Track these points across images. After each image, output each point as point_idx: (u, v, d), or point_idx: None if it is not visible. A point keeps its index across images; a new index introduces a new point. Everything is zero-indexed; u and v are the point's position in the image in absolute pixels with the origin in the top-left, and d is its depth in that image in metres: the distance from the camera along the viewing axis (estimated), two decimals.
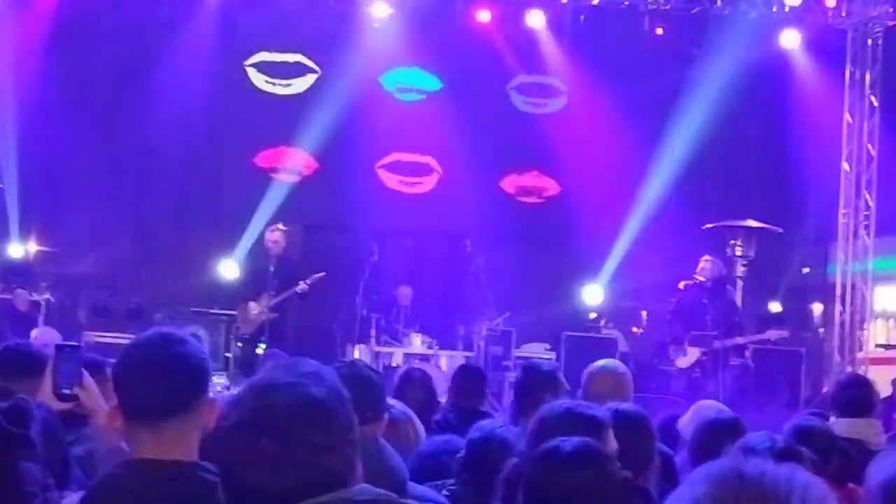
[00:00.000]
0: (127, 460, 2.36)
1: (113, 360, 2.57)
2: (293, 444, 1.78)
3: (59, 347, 3.33)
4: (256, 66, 14.39)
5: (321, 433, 1.81)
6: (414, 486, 3.27)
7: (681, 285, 11.56)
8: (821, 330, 15.13)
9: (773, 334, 11.90)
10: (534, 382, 4.76)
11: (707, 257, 11.54)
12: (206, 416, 2.38)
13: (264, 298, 11.17)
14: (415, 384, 5.05)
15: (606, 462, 2.72)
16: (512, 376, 12.15)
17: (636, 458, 3.33)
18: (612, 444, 3.06)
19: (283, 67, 14.44)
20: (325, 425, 1.83)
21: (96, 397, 3.38)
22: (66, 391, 3.25)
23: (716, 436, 3.93)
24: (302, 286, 11.08)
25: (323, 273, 11.28)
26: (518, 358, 12.62)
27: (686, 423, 4.99)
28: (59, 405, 3.26)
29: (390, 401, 3.91)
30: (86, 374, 3.33)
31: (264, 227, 12.43)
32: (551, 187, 15.12)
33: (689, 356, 11.40)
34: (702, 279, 11.35)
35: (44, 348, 4.03)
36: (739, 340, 11.67)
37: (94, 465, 3.10)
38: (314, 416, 1.82)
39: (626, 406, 3.87)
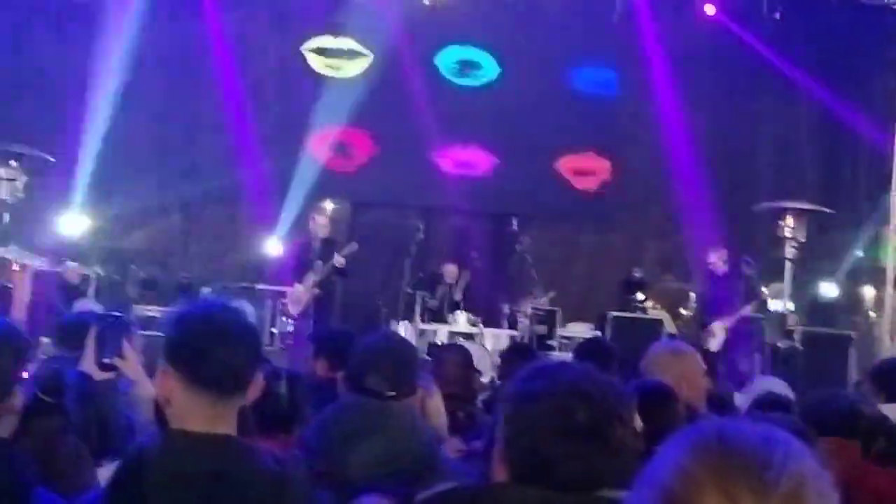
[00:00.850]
0: (174, 430, 2.28)
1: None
2: (608, 421, 1.81)
3: (101, 318, 3.37)
4: (314, 50, 14.40)
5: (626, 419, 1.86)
6: (450, 461, 3.27)
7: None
8: (872, 314, 14.90)
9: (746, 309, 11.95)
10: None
11: (717, 250, 11.99)
12: (254, 389, 2.35)
13: (309, 278, 11.21)
14: (451, 362, 5.01)
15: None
16: (556, 356, 12.21)
17: (661, 434, 3.30)
18: (636, 421, 3.01)
19: (337, 52, 14.45)
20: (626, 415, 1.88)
21: (136, 367, 3.42)
22: (107, 361, 3.30)
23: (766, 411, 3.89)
24: (338, 259, 11.08)
25: (355, 243, 11.28)
26: (563, 337, 12.60)
27: (743, 398, 4.96)
28: (100, 374, 3.31)
29: None
30: (126, 344, 3.38)
31: (311, 204, 12.47)
32: (605, 169, 14.96)
33: (716, 336, 11.59)
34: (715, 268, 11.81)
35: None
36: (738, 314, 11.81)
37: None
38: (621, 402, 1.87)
39: (653, 382, 3.81)
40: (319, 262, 11.16)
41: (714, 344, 11.60)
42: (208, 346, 2.26)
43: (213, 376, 2.25)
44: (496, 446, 1.88)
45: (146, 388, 3.34)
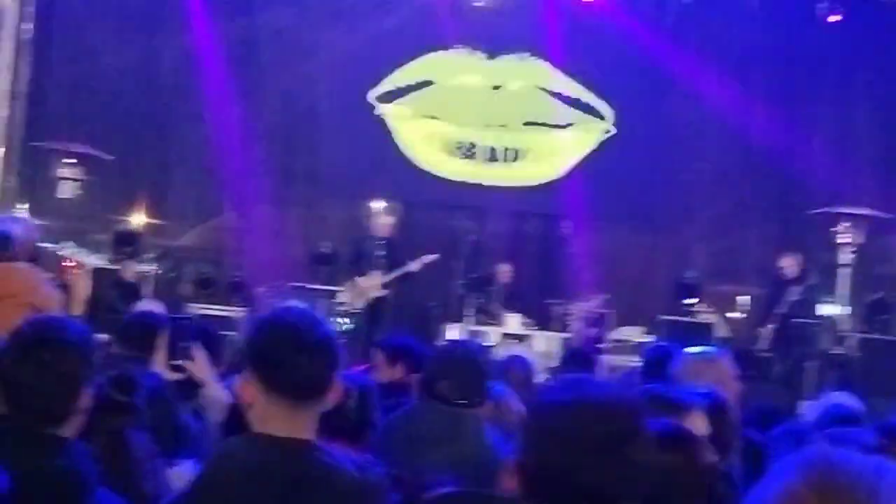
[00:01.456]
0: (257, 433, 2.32)
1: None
2: (623, 436, 1.82)
3: (172, 320, 3.44)
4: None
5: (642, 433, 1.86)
6: None
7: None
8: None
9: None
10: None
11: (789, 256, 12.14)
12: (334, 395, 2.39)
13: (375, 275, 11.24)
14: (515, 368, 5.05)
15: (695, 445, 2.69)
16: (607, 359, 12.17)
17: (718, 443, 3.33)
18: (701, 427, 3.01)
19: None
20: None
21: (205, 369, 3.48)
22: (178, 362, 3.36)
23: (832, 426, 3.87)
24: (415, 265, 11.13)
25: (437, 256, 11.33)
26: (615, 341, 12.55)
27: (808, 411, 4.92)
28: (171, 375, 3.37)
29: None
30: (196, 346, 3.44)
31: (360, 205, 12.52)
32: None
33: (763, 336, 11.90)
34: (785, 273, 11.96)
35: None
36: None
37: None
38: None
39: (708, 390, 3.82)
40: (385, 262, 11.19)
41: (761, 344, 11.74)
42: (288, 354, 2.30)
43: (292, 383, 2.30)
44: (511, 457, 1.89)
45: (215, 391, 3.40)
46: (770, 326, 11.94)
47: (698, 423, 3.02)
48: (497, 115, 14.35)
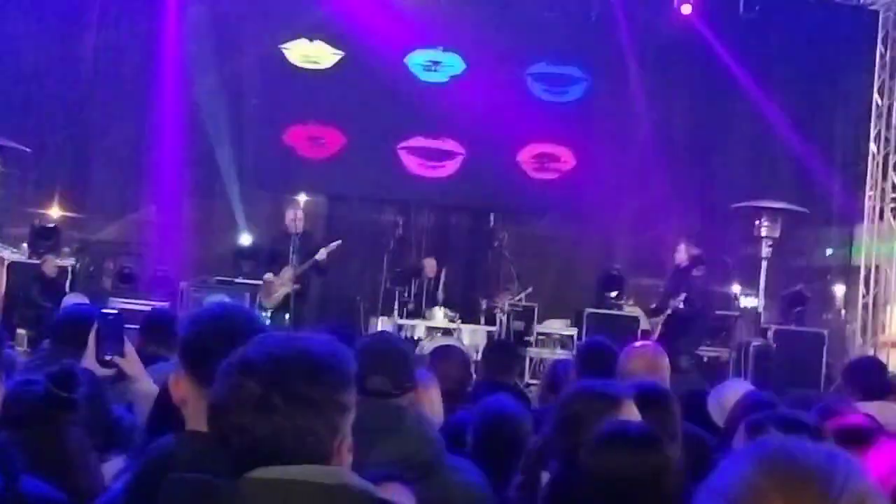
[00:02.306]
0: (191, 431, 2.29)
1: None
2: (272, 387, 1.78)
3: (101, 315, 3.38)
4: (291, 47, 14.37)
5: (304, 383, 1.80)
6: (451, 457, 3.30)
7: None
8: (843, 312, 15.08)
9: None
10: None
11: (681, 245, 12.06)
12: None
13: (286, 272, 11.17)
14: (453, 358, 5.10)
15: (665, 446, 2.74)
16: (533, 352, 12.29)
17: (662, 435, 3.39)
18: (635, 415, 3.07)
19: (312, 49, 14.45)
20: (311, 377, 1.81)
21: (136, 364, 3.43)
22: (108, 357, 3.31)
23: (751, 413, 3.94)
24: (321, 253, 11.07)
25: (340, 241, 11.27)
26: (540, 333, 12.67)
27: (717, 402, 5.02)
28: (101, 371, 3.31)
29: None
30: (127, 341, 3.38)
31: (285, 199, 12.46)
32: (567, 157, 14.97)
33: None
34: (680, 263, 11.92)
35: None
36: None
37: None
38: (301, 366, 1.82)
39: (650, 383, 3.89)
40: (296, 257, 11.12)
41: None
42: (217, 347, 2.20)
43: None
44: None
45: (146, 386, 3.35)
46: (661, 317, 11.96)
47: (633, 413, 3.07)
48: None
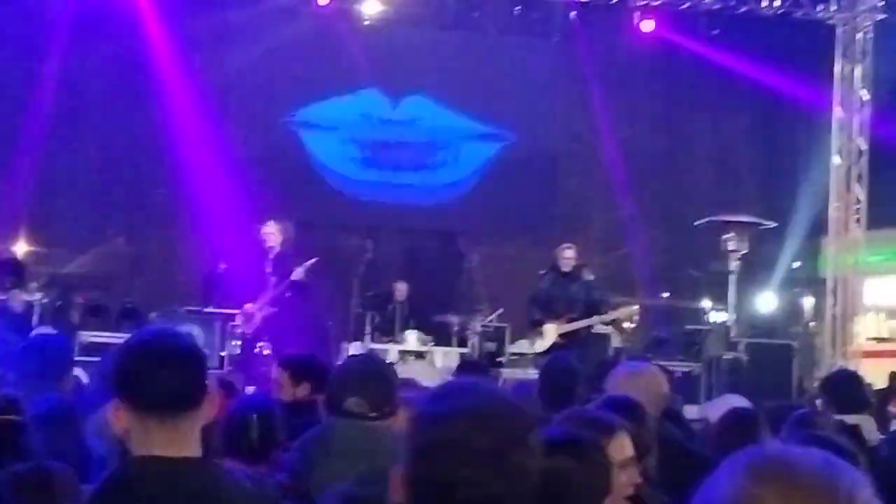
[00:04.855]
0: (139, 456, 2.30)
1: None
2: (509, 446, 1.75)
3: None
4: None
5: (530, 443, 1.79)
6: None
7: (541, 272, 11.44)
8: (812, 324, 15.19)
9: (622, 312, 11.48)
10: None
11: (566, 245, 11.33)
12: (210, 408, 2.38)
13: (264, 295, 11.10)
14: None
15: (587, 449, 2.72)
16: (506, 373, 12.27)
17: (637, 447, 3.43)
18: (627, 450, 3.05)
19: None
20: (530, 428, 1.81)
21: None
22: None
23: (744, 426, 3.98)
24: (297, 272, 11.00)
25: (316, 258, 11.21)
26: (512, 354, 12.66)
27: (708, 414, 5.06)
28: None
29: None
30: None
31: (258, 224, 12.38)
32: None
33: (545, 339, 11.07)
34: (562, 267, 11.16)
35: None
36: (588, 321, 11.23)
37: None
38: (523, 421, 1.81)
39: (619, 395, 3.95)
40: (274, 279, 11.05)
41: (539, 346, 11.06)
42: (146, 371, 2.29)
43: (155, 399, 2.28)
44: (398, 466, 1.85)
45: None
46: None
47: (625, 444, 3.07)
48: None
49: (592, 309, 11.17)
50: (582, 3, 13.86)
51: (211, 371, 2.35)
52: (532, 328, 11.28)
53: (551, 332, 11.01)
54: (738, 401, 5.33)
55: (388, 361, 4.40)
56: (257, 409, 3.59)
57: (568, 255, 11.14)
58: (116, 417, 2.32)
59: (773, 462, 1.25)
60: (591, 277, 11.42)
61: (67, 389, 3.65)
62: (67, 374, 3.70)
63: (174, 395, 2.30)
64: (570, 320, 11.05)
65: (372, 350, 11.62)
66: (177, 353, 2.33)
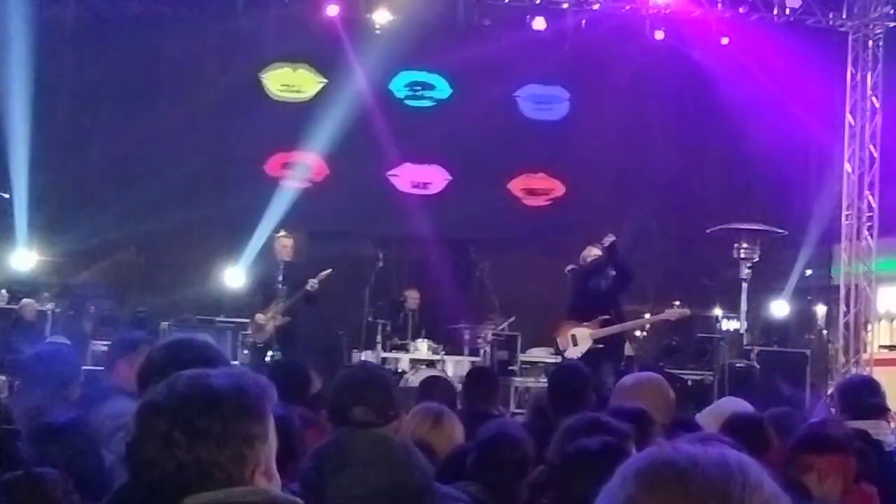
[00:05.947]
0: None
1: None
2: (175, 423, 1.83)
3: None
4: (271, 76, 14.44)
5: (204, 417, 1.84)
6: (440, 486, 3.29)
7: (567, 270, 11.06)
8: (825, 332, 15.14)
9: (671, 313, 11.18)
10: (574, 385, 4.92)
11: (594, 245, 10.95)
12: None
13: (274, 305, 11.12)
14: (440, 389, 5.12)
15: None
16: (518, 381, 12.27)
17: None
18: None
19: (294, 77, 14.55)
20: (209, 410, 1.86)
21: None
22: None
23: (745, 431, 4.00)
24: (312, 283, 11.01)
25: (331, 270, 11.23)
26: (524, 362, 12.65)
27: (708, 419, 5.08)
28: None
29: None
30: None
31: (270, 234, 12.43)
32: (558, 188, 15.17)
33: (580, 345, 10.56)
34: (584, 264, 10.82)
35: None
36: (636, 322, 11.18)
37: None
38: (200, 401, 1.86)
39: (629, 405, 4.00)
40: (285, 288, 11.07)
41: (574, 352, 10.49)
42: (167, 370, 2.24)
43: None
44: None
45: None
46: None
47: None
48: None
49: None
50: (593, 11, 13.86)
51: None
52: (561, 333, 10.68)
53: (586, 338, 10.55)
54: (735, 405, 5.36)
55: (384, 367, 4.50)
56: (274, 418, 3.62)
57: (594, 254, 10.82)
58: None
59: (662, 467, 1.17)
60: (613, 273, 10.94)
61: (73, 399, 3.67)
62: (74, 383, 3.72)
63: None
64: (605, 323, 10.56)
65: (384, 359, 11.66)
66: (206, 361, 2.34)
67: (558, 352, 10.69)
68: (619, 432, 3.11)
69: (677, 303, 11.76)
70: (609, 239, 10.78)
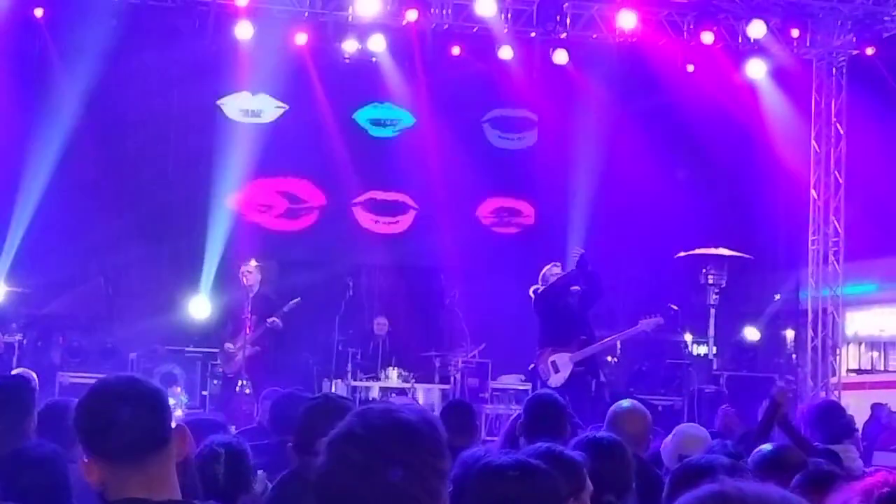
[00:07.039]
0: (117, 500, 2.31)
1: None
2: (374, 454, 1.89)
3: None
4: (226, 104, 14.43)
5: (404, 451, 1.91)
6: None
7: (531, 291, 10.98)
8: (793, 356, 15.25)
9: (647, 324, 11.16)
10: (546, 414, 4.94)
11: (555, 264, 11.05)
12: (180, 444, 2.41)
13: (242, 336, 11.10)
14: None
15: (534, 474, 2.77)
16: (489, 408, 12.25)
17: (614, 484, 3.57)
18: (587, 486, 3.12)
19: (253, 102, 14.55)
20: (409, 444, 1.92)
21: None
22: None
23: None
24: (274, 321, 11.05)
25: (299, 299, 11.23)
26: (495, 390, 12.65)
27: (669, 447, 5.14)
28: None
29: None
30: None
31: (240, 264, 12.39)
32: (527, 211, 15.23)
33: (561, 371, 10.58)
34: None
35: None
36: (615, 337, 11.23)
37: None
38: (400, 434, 1.93)
39: (602, 435, 4.03)
40: (254, 318, 11.06)
41: (556, 380, 10.54)
42: (106, 419, 2.31)
43: (119, 447, 2.30)
44: None
45: None
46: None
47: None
48: None
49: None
50: (561, 39, 13.94)
51: (194, 411, 2.34)
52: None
53: (566, 363, 10.56)
54: (695, 431, 5.51)
55: (346, 396, 4.50)
56: (224, 447, 3.66)
57: (555, 272, 10.86)
58: (88, 471, 2.33)
59: (727, 498, 1.25)
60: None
61: (30, 431, 3.65)
62: (30, 416, 3.70)
63: (136, 440, 2.31)
64: (584, 344, 10.58)
65: (354, 387, 11.63)
66: (139, 396, 2.35)
67: (543, 384, 10.49)
68: (569, 463, 3.10)
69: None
70: (578, 251, 10.82)
